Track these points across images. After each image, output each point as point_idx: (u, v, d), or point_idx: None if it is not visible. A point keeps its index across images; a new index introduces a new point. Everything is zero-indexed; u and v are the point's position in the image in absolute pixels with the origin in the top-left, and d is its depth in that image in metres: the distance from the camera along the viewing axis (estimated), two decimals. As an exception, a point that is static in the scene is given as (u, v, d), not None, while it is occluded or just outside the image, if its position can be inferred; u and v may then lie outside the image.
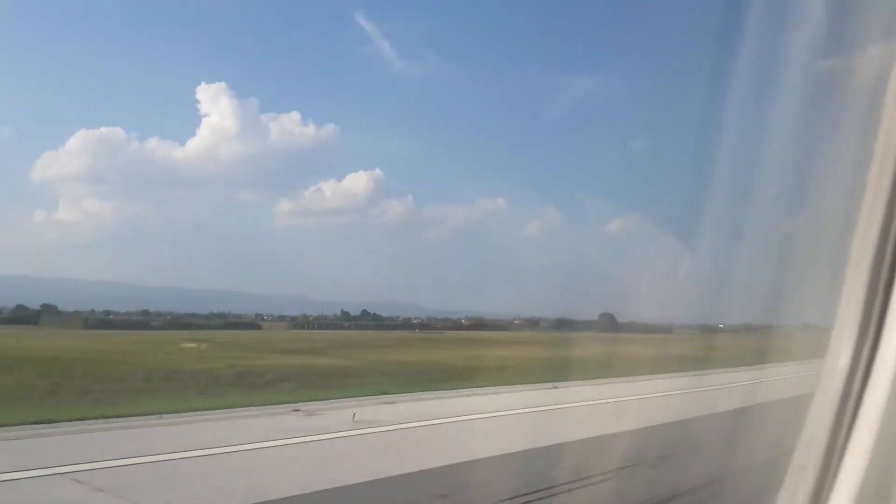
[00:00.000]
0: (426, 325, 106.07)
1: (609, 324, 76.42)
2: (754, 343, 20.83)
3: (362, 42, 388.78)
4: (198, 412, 12.12)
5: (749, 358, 19.57)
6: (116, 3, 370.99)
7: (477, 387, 17.17)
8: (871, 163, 1.94)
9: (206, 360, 27.30)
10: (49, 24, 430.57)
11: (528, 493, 6.82)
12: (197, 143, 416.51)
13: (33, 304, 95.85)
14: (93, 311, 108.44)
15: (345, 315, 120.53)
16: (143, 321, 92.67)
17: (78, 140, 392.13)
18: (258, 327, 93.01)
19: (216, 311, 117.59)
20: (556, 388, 16.90)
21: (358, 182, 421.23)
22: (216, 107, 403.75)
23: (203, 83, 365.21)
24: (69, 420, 10.67)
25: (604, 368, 20.48)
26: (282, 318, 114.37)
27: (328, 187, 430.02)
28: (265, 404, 13.18)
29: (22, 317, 79.85)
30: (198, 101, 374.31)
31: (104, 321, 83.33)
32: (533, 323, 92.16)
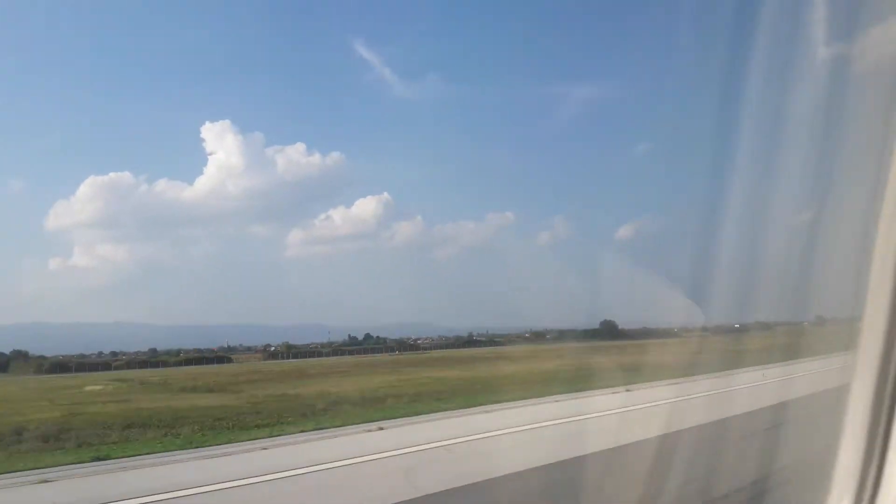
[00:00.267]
0: (416, 345, 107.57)
1: (613, 331, 76.60)
2: (785, 339, 20.85)
3: (363, 70, 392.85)
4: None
5: (790, 353, 19.83)
6: (115, 48, 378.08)
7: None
8: (894, 153, 1.95)
9: (78, 406, 25.44)
10: (50, 73, 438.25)
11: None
12: (205, 182, 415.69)
13: (48, 350, 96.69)
14: (100, 353, 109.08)
15: (352, 340, 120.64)
16: (103, 362, 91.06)
17: (88, 187, 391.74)
18: (229, 360, 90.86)
19: (226, 345, 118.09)
20: (628, 391, 17.16)
21: (367, 207, 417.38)
22: (221, 144, 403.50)
23: (207, 122, 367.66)
24: None
25: (671, 370, 20.79)
26: (267, 347, 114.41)
27: (337, 214, 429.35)
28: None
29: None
30: (203, 140, 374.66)
31: (61, 364, 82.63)
32: (561, 333, 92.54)
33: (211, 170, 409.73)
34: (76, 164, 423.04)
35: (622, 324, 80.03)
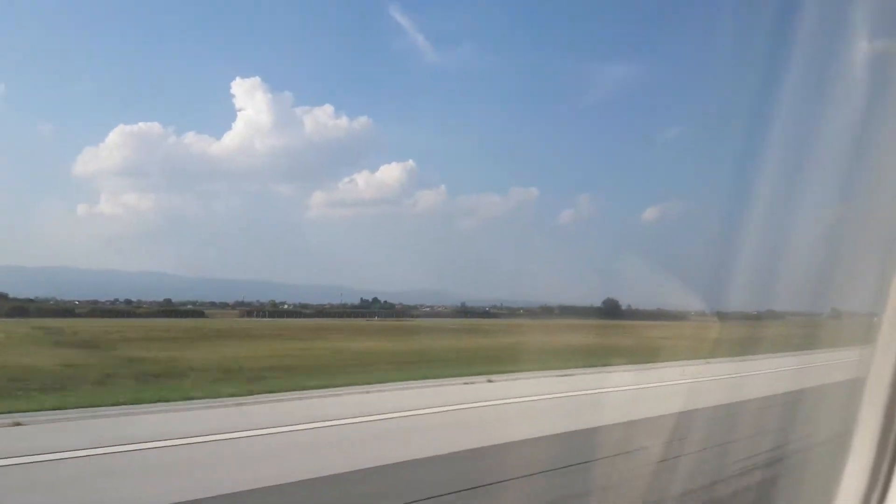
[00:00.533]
0: (434, 312, 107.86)
1: (615, 310, 76.41)
2: (808, 329, 21.01)
3: (396, 35, 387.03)
4: None
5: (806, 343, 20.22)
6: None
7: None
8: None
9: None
10: (84, 22, 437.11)
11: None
12: (233, 137, 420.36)
13: (73, 295, 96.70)
14: (116, 300, 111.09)
15: (363, 303, 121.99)
16: (69, 309, 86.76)
17: (116, 135, 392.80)
18: (202, 315, 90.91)
19: (239, 300, 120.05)
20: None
21: (391, 173, 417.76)
22: (251, 101, 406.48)
23: (238, 77, 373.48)
24: None
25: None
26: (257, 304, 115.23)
27: (362, 178, 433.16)
28: None
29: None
30: (233, 96, 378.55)
31: (21, 308, 75.29)
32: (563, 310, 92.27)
33: (239, 126, 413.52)
34: (106, 112, 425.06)
35: (636, 304, 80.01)
